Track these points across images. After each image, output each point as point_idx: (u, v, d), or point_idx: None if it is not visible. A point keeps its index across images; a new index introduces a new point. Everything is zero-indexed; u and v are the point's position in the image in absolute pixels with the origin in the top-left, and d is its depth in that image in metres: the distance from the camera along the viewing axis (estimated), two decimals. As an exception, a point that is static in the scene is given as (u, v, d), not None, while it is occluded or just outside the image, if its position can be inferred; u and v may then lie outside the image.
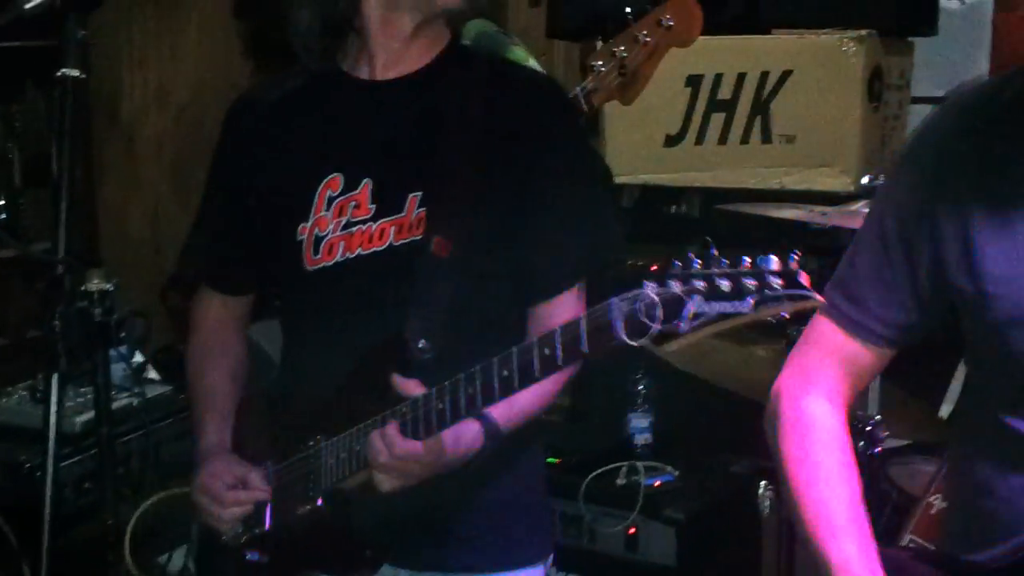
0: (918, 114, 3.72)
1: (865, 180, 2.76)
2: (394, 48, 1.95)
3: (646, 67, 2.36)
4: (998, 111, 1.62)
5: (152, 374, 3.19)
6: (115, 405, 2.64)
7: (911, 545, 2.35)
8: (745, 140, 3.51)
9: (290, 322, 2.11)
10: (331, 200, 1.95)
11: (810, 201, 2.98)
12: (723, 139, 3.54)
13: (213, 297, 2.20)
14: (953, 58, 3.74)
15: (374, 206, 1.92)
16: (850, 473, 1.69)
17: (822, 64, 3.35)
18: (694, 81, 3.55)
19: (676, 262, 1.49)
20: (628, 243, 3.70)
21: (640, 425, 3.39)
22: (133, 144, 4.21)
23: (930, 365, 3.19)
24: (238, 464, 2.01)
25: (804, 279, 1.43)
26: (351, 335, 1.93)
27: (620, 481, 3.26)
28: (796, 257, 1.44)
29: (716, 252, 1.47)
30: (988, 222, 1.58)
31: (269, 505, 1.99)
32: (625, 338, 1.51)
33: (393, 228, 1.91)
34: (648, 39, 2.31)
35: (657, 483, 3.24)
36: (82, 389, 2.74)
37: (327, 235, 1.95)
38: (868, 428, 2.42)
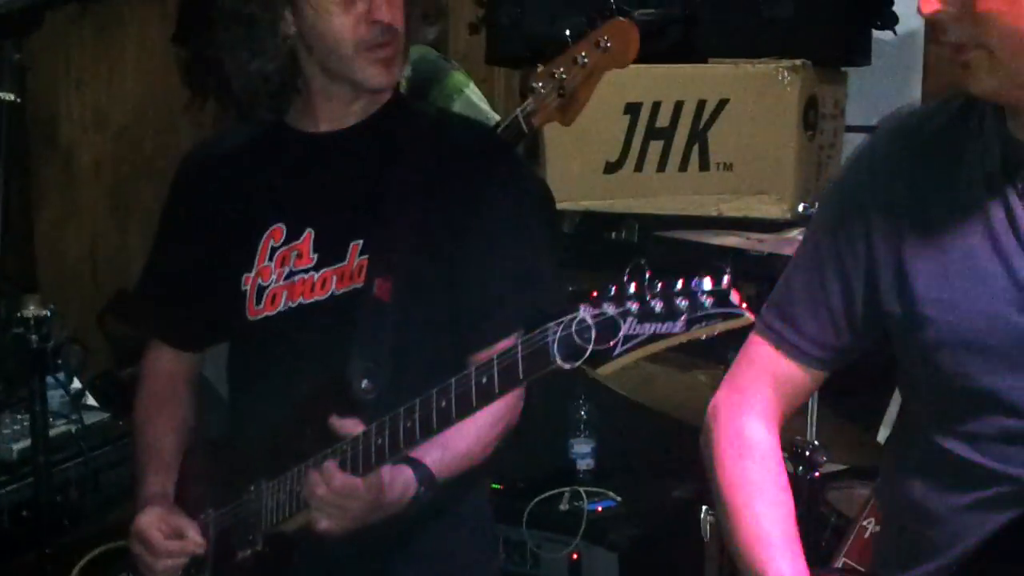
0: (852, 143, 3.76)
1: (801, 208, 2.79)
2: (336, 107, 1.99)
3: (584, 88, 2.39)
4: (929, 136, 1.66)
5: (90, 401, 3.15)
6: (53, 432, 2.62)
7: (844, 568, 2.38)
8: (683, 167, 3.54)
9: (235, 371, 2.12)
10: (274, 250, 1.97)
11: (747, 228, 3.02)
12: (662, 166, 3.56)
13: (163, 349, 2.20)
14: (886, 88, 3.80)
15: (316, 255, 1.95)
16: (785, 493, 1.72)
17: (758, 93, 3.39)
18: (632, 109, 3.57)
19: (612, 286, 1.51)
20: (569, 269, 3.75)
21: (582, 451, 3.40)
22: (71, 167, 4.18)
23: (868, 390, 3.23)
24: (175, 514, 1.99)
25: (735, 297, 1.46)
26: (295, 383, 1.94)
27: (563, 507, 3.26)
28: (727, 275, 1.47)
29: (650, 275, 1.50)
30: (920, 246, 1.62)
31: (210, 552, 1.98)
32: (560, 361, 1.53)
33: (335, 277, 1.93)
34: (586, 60, 2.35)
35: (600, 508, 3.25)
36: (19, 416, 2.71)
37: (269, 285, 1.97)
38: (807, 453, 2.44)
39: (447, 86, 3.47)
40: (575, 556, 3.17)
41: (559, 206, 3.70)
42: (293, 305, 1.95)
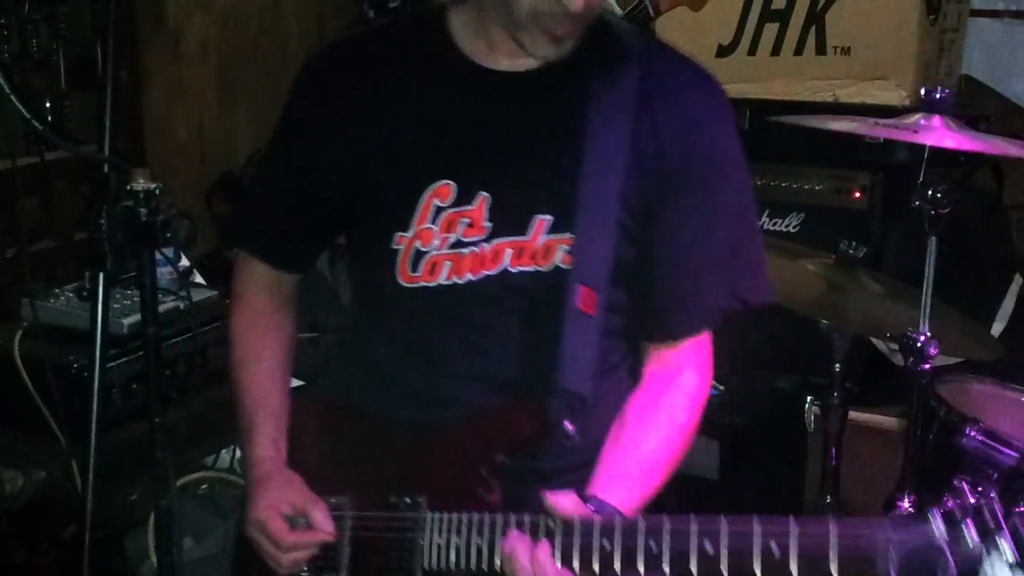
0: (976, 27, 3.63)
1: (921, 93, 2.69)
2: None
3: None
4: None
5: (198, 279, 3.19)
6: (162, 308, 2.65)
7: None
8: (799, 51, 3.45)
9: (375, 328, 1.83)
10: (439, 211, 1.67)
11: (864, 114, 2.92)
12: (776, 50, 3.48)
13: (261, 267, 1.91)
14: (1015, -31, 3.65)
15: (490, 224, 1.66)
16: None
17: (880, -26, 3.28)
18: (748, -10, 3.48)
19: (970, 500, 1.31)
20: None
21: (685, 339, 3.37)
22: (178, 48, 4.19)
23: (982, 283, 3.15)
24: (299, 491, 1.75)
25: None
26: (455, 369, 1.71)
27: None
28: None
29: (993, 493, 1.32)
30: None
31: (347, 552, 1.73)
32: None
33: (510, 251, 1.65)
34: None
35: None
36: (128, 291, 2.75)
37: (429, 251, 1.68)
38: (918, 345, 2.38)
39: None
40: (677, 443, 3.16)
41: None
42: (460, 281, 1.67)
